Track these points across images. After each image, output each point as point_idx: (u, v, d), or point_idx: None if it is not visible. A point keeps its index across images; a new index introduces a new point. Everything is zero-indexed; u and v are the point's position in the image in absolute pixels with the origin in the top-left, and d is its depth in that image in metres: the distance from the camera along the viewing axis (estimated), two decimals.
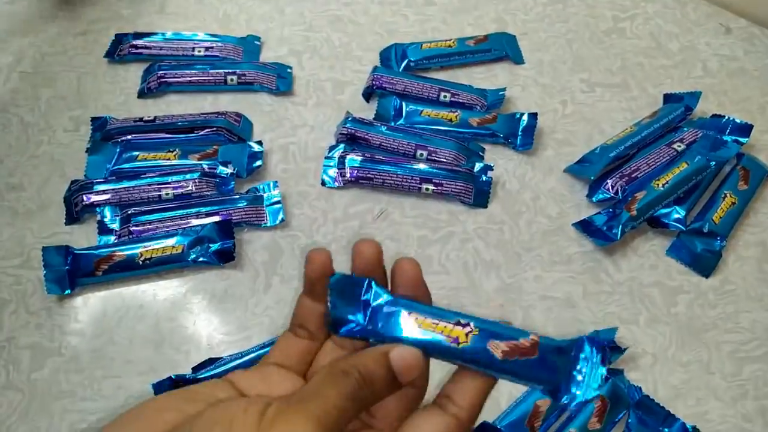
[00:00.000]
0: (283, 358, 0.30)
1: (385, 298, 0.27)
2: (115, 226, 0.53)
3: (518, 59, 0.66)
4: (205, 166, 0.56)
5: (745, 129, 0.59)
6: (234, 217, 0.53)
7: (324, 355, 0.30)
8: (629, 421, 0.47)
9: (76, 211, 0.54)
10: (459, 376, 0.27)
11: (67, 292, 0.50)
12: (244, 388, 0.27)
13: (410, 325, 0.27)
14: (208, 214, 0.53)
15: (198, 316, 0.51)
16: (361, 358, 0.26)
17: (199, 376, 0.46)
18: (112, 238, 0.53)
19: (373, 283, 0.28)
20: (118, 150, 0.57)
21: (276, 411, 0.23)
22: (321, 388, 0.24)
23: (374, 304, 0.27)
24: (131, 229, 0.53)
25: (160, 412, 0.24)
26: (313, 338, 0.30)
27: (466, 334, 0.27)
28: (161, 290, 0.52)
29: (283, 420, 0.23)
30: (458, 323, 0.27)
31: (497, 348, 0.27)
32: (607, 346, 0.48)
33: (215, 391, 0.26)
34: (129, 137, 0.58)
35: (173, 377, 0.46)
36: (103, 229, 0.53)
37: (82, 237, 0.54)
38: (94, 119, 0.60)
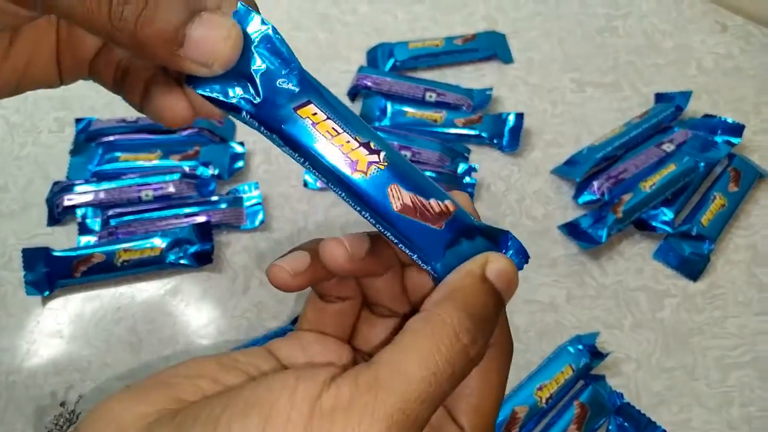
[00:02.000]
0: (317, 324, 0.26)
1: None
2: (96, 227, 0.53)
3: (507, 58, 0.65)
4: (186, 168, 0.56)
5: (737, 129, 0.58)
6: (213, 219, 0.53)
7: (364, 321, 0.26)
8: (609, 428, 0.46)
9: (57, 212, 0.54)
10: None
11: (45, 293, 0.50)
12: (283, 358, 0.24)
13: (301, 122, 0.21)
14: (187, 216, 0.53)
15: (176, 319, 0.50)
16: (461, 292, 0.21)
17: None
18: (93, 240, 0.53)
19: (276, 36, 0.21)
20: (100, 151, 0.57)
21: (335, 399, 0.18)
22: (407, 358, 0.19)
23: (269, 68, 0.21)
24: (110, 230, 0.53)
25: (193, 378, 0.21)
26: (346, 299, 0.26)
27: (369, 164, 0.21)
28: (139, 292, 0.51)
29: (343, 418, 0.18)
30: (368, 146, 0.21)
31: (398, 197, 0.21)
32: (590, 352, 0.47)
33: (257, 361, 0.23)
34: (112, 138, 0.58)
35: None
36: (84, 231, 0.53)
37: (64, 238, 0.54)
38: (78, 120, 0.60)
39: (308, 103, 0.21)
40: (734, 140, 0.58)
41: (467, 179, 0.56)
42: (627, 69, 0.65)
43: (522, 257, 0.23)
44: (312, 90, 0.22)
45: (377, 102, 0.60)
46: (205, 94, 0.21)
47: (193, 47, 0.20)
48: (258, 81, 0.21)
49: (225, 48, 0.20)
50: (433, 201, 0.22)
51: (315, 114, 0.21)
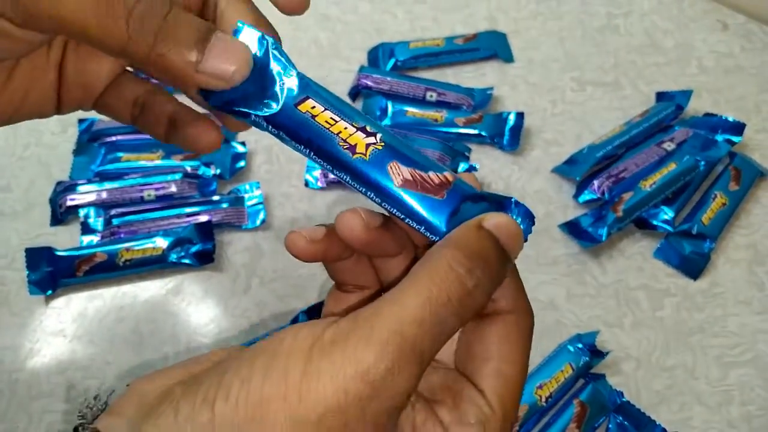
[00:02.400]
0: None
1: (294, 73, 0.24)
2: (99, 227, 0.54)
3: (508, 58, 0.65)
4: (187, 168, 0.56)
5: (738, 128, 0.57)
6: (215, 219, 0.53)
7: None
8: (609, 426, 0.46)
9: (60, 212, 0.54)
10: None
11: (48, 293, 0.51)
12: None
13: (302, 115, 0.23)
14: (189, 216, 0.53)
15: (177, 318, 0.51)
16: (456, 237, 0.21)
17: None
18: (95, 239, 0.53)
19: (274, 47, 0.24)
20: (102, 151, 0.57)
21: (335, 333, 0.19)
22: (404, 293, 0.20)
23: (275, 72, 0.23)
24: (113, 230, 0.53)
25: (213, 359, 0.22)
26: (364, 287, 0.26)
27: (367, 146, 0.22)
28: (141, 291, 0.52)
29: (341, 347, 0.19)
30: (364, 129, 0.23)
31: (398, 173, 0.23)
32: (590, 351, 0.47)
33: None
34: (114, 139, 0.58)
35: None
36: (86, 230, 0.54)
37: (67, 238, 0.54)
38: (81, 121, 0.60)
39: (306, 98, 0.23)
40: (735, 139, 0.57)
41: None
42: (628, 68, 0.65)
43: (528, 220, 0.23)
44: (309, 89, 0.24)
45: (378, 101, 0.60)
46: (217, 105, 0.23)
47: (211, 62, 0.21)
48: (267, 87, 0.23)
49: (241, 62, 0.22)
50: (431, 173, 0.23)
51: (313, 107, 0.23)
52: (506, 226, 0.22)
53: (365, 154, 0.22)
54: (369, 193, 0.23)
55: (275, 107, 0.23)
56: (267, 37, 0.24)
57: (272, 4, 0.26)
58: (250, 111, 0.23)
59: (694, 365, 0.49)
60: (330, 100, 0.23)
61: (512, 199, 0.23)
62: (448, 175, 0.23)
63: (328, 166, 0.23)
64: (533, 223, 0.24)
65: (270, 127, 0.24)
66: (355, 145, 0.23)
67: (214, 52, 0.21)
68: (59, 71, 0.26)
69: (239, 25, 0.24)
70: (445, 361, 0.25)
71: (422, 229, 0.23)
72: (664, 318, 0.51)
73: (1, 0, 0.20)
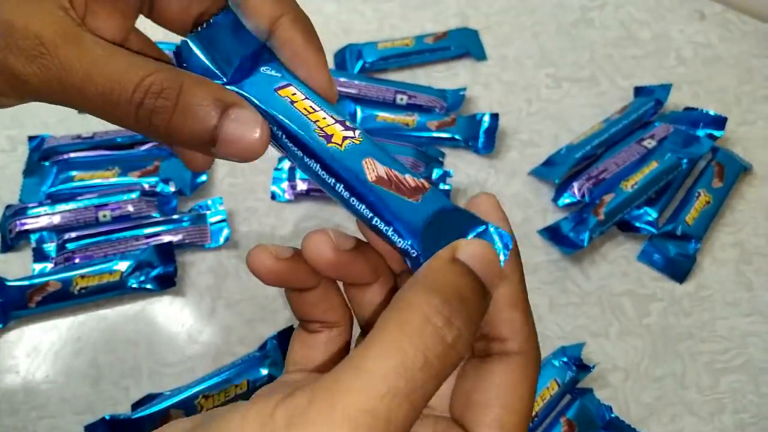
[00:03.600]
0: (306, 363, 0.24)
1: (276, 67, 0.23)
2: (52, 252, 0.50)
3: (480, 55, 0.63)
4: (145, 185, 0.53)
5: (720, 122, 0.55)
6: (176, 239, 0.50)
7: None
8: None
9: (10, 238, 0.51)
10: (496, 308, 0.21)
11: None
12: None
13: (281, 100, 0.22)
14: (148, 237, 0.50)
15: (138, 348, 0.48)
16: (429, 276, 0.18)
17: (136, 416, 0.43)
18: (49, 266, 0.50)
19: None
20: (54, 171, 0.54)
21: (290, 414, 0.16)
22: (371, 356, 0.17)
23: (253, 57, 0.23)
24: (67, 255, 0.50)
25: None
26: (333, 326, 0.24)
27: (344, 138, 0.21)
28: (99, 320, 0.49)
29: (299, 429, 0.16)
30: (343, 123, 0.22)
31: (373, 168, 0.21)
32: (576, 365, 0.45)
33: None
34: (67, 156, 0.55)
35: (107, 418, 0.43)
36: (39, 257, 0.50)
37: (18, 266, 0.51)
38: (31, 138, 0.57)
39: (288, 85, 0.23)
40: (717, 133, 0.55)
41: (442, 185, 0.53)
42: (604, 62, 0.63)
43: (506, 250, 0.21)
44: (292, 77, 0.23)
45: (346, 106, 0.57)
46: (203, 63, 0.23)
47: (225, 146, 0.21)
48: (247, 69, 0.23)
49: (257, 143, 0.21)
50: (408, 176, 0.22)
51: (294, 94, 0.22)
52: (483, 256, 0.19)
53: (341, 145, 0.21)
54: (338, 185, 0.21)
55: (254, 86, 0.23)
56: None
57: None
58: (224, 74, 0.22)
59: (684, 373, 0.47)
60: (311, 91, 0.23)
61: (488, 226, 0.21)
62: (425, 182, 0.22)
63: (297, 152, 0.22)
64: (509, 249, 0.21)
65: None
66: (332, 135, 0.21)
67: (228, 135, 0.21)
68: None
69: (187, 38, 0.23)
70: (434, 405, 0.22)
71: (390, 231, 0.21)
72: (651, 325, 0.49)
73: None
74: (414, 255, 0.21)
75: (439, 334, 0.17)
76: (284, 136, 0.22)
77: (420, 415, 0.17)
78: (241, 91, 0.22)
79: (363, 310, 0.24)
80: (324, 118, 0.22)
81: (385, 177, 0.21)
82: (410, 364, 0.16)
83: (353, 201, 0.21)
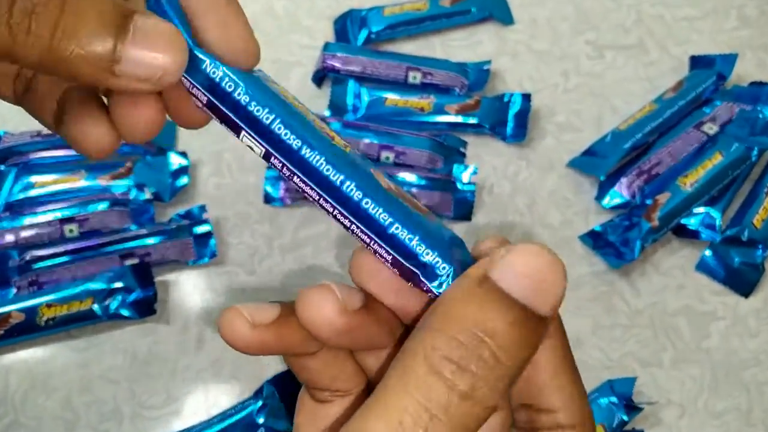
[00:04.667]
0: None
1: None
2: (14, 275, 0.43)
3: (506, 19, 0.53)
4: (116, 193, 0.45)
5: None
6: (154, 257, 0.43)
7: None
8: None
9: None
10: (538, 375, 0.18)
11: None
12: None
13: (273, 88, 0.18)
14: (122, 256, 0.43)
15: (118, 387, 0.41)
16: (442, 302, 0.16)
17: None
18: (13, 291, 0.43)
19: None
20: (12, 175, 0.46)
21: None
22: (368, 418, 0.15)
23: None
24: (31, 279, 0.43)
25: None
26: (346, 394, 0.20)
27: (345, 145, 0.18)
28: (72, 354, 0.42)
29: None
30: (338, 134, 0.19)
31: (383, 179, 0.18)
32: (626, 405, 0.38)
33: None
34: (26, 159, 0.47)
35: None
36: (0, 281, 0.43)
37: None
38: None
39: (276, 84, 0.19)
40: None
41: (465, 183, 0.46)
42: (653, 25, 0.53)
43: None
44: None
45: (350, 88, 0.49)
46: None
47: (133, 61, 0.15)
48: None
49: (174, 56, 0.16)
50: (414, 199, 0.19)
51: (285, 90, 0.18)
52: (536, 269, 0.15)
53: (345, 148, 0.18)
54: (347, 184, 0.17)
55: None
56: None
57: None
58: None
59: (750, 408, 0.40)
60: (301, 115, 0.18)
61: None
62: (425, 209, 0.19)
63: (296, 141, 0.17)
64: None
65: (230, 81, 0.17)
66: (332, 136, 0.18)
67: (135, 46, 0.15)
68: None
69: None
70: None
71: (414, 242, 0.17)
72: (711, 349, 0.42)
73: None
74: (443, 270, 0.17)
75: (445, 384, 0.15)
76: (277, 119, 0.17)
77: None
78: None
79: (376, 371, 0.20)
80: (315, 117, 0.18)
81: (395, 190, 0.18)
82: (411, 423, 0.14)
83: (366, 203, 0.17)
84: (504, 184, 0.47)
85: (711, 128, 0.46)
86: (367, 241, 0.17)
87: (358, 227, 0.17)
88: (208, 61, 0.17)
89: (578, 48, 0.52)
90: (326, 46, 0.50)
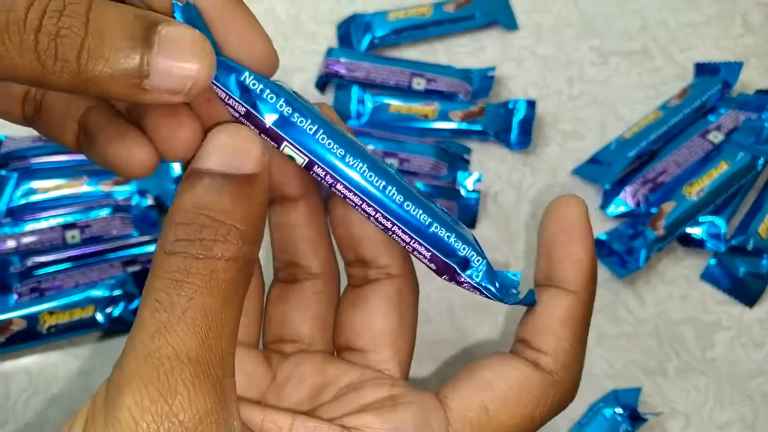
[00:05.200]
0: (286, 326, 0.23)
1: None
2: (15, 282, 0.43)
3: (510, 25, 0.53)
4: (118, 198, 0.45)
5: None
6: None
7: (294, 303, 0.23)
8: None
9: None
10: (533, 314, 0.20)
11: None
12: None
13: (314, 110, 0.19)
14: (125, 263, 0.43)
15: None
16: (169, 212, 0.17)
17: None
18: (14, 297, 0.43)
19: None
20: (13, 181, 0.46)
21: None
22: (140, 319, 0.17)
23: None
24: (32, 285, 0.43)
25: None
26: (317, 276, 0.24)
27: (373, 152, 0.21)
28: (74, 361, 0.42)
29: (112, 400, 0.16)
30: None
31: (411, 183, 0.20)
32: (630, 416, 0.38)
33: None
34: (28, 163, 0.47)
35: None
36: (1, 287, 0.43)
37: None
38: None
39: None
40: None
41: (469, 190, 0.45)
42: (658, 31, 0.53)
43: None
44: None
45: (353, 94, 0.48)
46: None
47: (162, 73, 0.15)
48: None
49: (202, 63, 0.16)
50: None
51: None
52: (225, 142, 0.18)
53: (373, 154, 0.19)
54: (388, 188, 0.18)
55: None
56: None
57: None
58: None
59: (755, 419, 0.40)
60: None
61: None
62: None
63: (339, 150, 0.18)
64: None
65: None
66: (361, 144, 0.19)
67: (162, 58, 0.15)
68: None
69: None
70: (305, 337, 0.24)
71: (452, 239, 0.19)
72: (715, 359, 0.42)
73: None
74: (478, 263, 0.19)
75: (181, 256, 0.16)
76: (323, 132, 0.18)
77: (240, 316, 0.17)
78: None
79: (282, 233, 0.23)
80: (341, 124, 0.20)
81: (423, 194, 0.19)
82: (165, 296, 0.16)
83: (407, 206, 0.19)
84: (508, 192, 0.47)
85: (716, 137, 0.46)
86: (408, 240, 0.19)
87: (399, 227, 0.19)
88: (247, 73, 0.17)
89: (582, 54, 0.52)
90: (329, 52, 0.50)
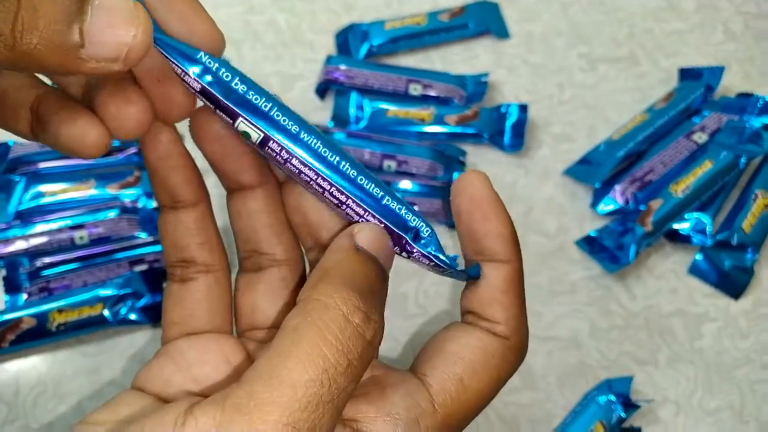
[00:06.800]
0: (186, 323, 0.22)
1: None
2: (24, 282, 0.44)
3: (502, 33, 0.55)
4: (126, 200, 0.46)
5: None
6: (163, 263, 0.44)
7: (242, 291, 0.23)
8: None
9: None
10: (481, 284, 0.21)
11: None
12: (157, 391, 0.21)
13: (266, 90, 0.20)
14: (132, 262, 0.44)
15: None
16: (337, 269, 0.19)
17: None
18: (24, 297, 0.44)
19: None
20: (22, 185, 0.47)
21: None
22: (289, 365, 0.16)
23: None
24: (41, 285, 0.44)
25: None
26: (210, 268, 0.23)
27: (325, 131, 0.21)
28: (83, 359, 0.43)
29: None
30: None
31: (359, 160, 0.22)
32: (623, 403, 0.40)
33: (120, 409, 0.19)
34: (36, 167, 0.48)
35: None
36: (10, 287, 0.44)
37: None
38: None
39: None
40: None
41: None
42: (644, 38, 0.56)
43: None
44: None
45: (352, 100, 0.50)
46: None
47: (97, 42, 0.15)
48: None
49: (138, 29, 0.16)
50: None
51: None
52: (380, 240, 0.20)
53: (325, 133, 0.20)
54: (342, 162, 0.20)
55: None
56: None
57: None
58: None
59: (742, 406, 0.42)
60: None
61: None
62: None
63: (294, 126, 0.19)
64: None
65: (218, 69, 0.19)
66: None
67: (96, 27, 0.15)
68: None
69: None
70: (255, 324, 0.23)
71: (403, 210, 0.20)
72: (704, 349, 0.44)
73: None
74: (426, 232, 0.20)
75: (359, 333, 0.17)
76: (277, 109, 0.19)
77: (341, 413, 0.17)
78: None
79: (243, 222, 0.23)
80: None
81: (370, 171, 0.21)
82: (333, 370, 0.16)
83: (361, 180, 0.20)
84: (502, 192, 0.48)
85: (701, 137, 0.48)
86: (361, 212, 0.20)
87: (354, 200, 0.20)
88: (202, 53, 0.18)
89: (572, 61, 0.54)
90: (329, 59, 0.52)
